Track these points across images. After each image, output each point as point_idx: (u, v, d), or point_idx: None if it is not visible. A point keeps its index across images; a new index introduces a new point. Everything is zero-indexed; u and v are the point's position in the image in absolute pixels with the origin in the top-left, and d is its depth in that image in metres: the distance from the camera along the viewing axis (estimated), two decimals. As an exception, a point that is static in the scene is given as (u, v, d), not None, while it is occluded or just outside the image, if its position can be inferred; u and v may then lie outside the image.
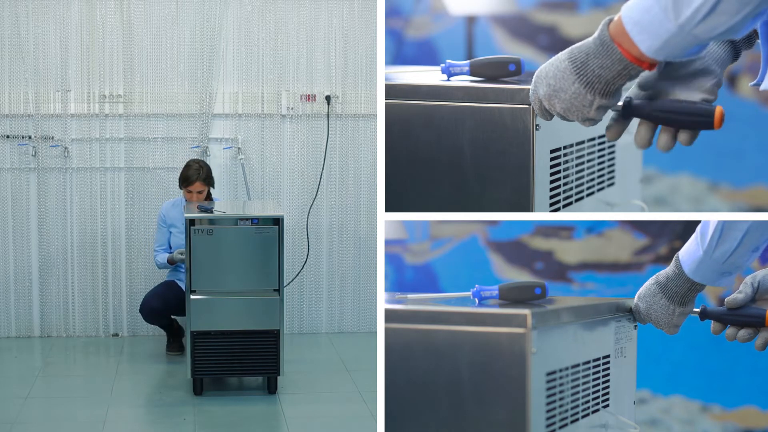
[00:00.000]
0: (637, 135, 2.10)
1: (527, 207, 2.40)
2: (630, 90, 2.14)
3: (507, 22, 4.63)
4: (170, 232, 5.70)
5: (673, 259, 2.56)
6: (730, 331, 2.62)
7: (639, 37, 1.92)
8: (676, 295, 2.57)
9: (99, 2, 5.97)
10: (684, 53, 1.94)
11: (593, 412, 2.69)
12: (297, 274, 6.26)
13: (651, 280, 2.64)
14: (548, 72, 2.07)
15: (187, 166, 5.64)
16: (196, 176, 5.56)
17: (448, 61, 2.56)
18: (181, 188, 5.64)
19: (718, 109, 2.03)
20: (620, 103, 2.09)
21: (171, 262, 5.63)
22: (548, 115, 2.15)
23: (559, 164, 2.52)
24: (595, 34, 1.99)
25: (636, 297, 2.71)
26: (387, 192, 2.48)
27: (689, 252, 2.51)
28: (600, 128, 2.77)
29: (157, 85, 6.05)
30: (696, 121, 2.04)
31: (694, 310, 2.63)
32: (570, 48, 2.05)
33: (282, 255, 4.96)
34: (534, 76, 2.12)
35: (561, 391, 2.51)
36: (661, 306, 2.60)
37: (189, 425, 4.65)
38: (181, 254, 5.43)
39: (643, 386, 4.22)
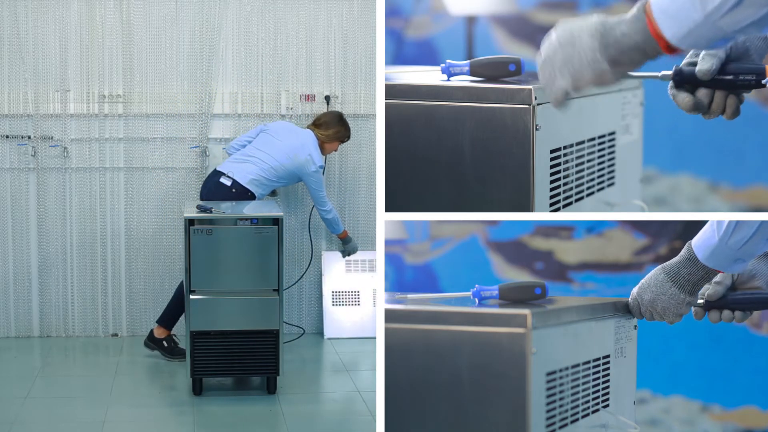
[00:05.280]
0: (678, 96, 2.11)
1: (527, 207, 2.40)
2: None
3: (507, 22, 4.62)
4: (254, 138, 5.73)
5: (684, 248, 2.55)
6: (714, 314, 2.64)
7: (664, 24, 1.92)
8: (687, 283, 2.54)
9: (98, 2, 5.97)
10: (709, 44, 1.94)
11: (593, 412, 2.69)
12: (300, 278, 6.26)
13: (656, 271, 2.61)
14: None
15: (342, 119, 5.83)
16: None
17: (448, 61, 2.56)
18: (340, 141, 5.83)
19: None
20: (670, 72, 2.09)
21: (344, 237, 6.03)
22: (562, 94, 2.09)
23: (559, 164, 2.52)
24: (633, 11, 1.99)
25: (637, 289, 2.67)
26: (387, 192, 2.48)
27: (703, 239, 2.49)
28: (600, 128, 2.78)
29: (156, 85, 6.05)
30: (746, 80, 2.08)
31: (698, 301, 2.63)
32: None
33: (281, 255, 4.96)
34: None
35: (561, 391, 2.51)
36: (670, 295, 2.57)
37: (189, 425, 4.65)
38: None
39: (643, 386, 4.22)
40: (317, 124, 5.77)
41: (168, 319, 5.63)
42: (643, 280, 2.66)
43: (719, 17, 1.85)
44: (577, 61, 2.01)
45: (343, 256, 6.14)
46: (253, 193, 5.53)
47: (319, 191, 5.67)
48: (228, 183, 5.51)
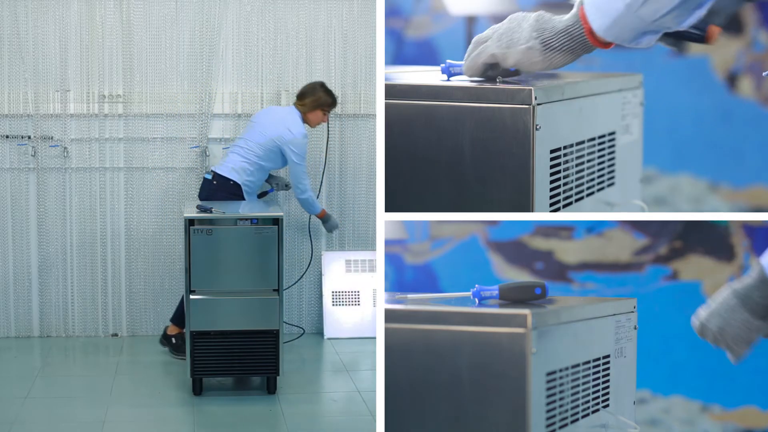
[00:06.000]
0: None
1: (527, 207, 2.39)
2: None
3: (507, 22, 4.60)
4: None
5: (752, 266, 2.32)
6: None
7: (593, 16, 2.11)
8: (759, 306, 2.25)
9: (98, 2, 5.97)
10: (633, 37, 2.09)
11: (593, 412, 2.69)
12: (300, 278, 6.26)
13: (727, 293, 2.30)
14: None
15: (323, 86, 5.70)
16: None
17: (448, 61, 2.56)
18: (321, 109, 5.66)
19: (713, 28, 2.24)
20: None
21: (322, 216, 5.95)
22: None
23: (559, 164, 2.52)
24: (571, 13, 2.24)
25: (706, 314, 2.33)
26: (387, 192, 2.48)
27: None
28: (600, 128, 2.78)
29: (156, 85, 6.05)
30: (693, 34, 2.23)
31: None
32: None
33: (281, 255, 4.96)
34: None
35: (561, 391, 2.51)
36: (741, 321, 2.28)
37: (189, 425, 4.65)
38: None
39: (643, 386, 4.21)
40: (298, 96, 5.72)
41: (179, 316, 5.64)
42: (711, 304, 2.34)
43: (639, 6, 1.98)
44: (515, 35, 2.28)
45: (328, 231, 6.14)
46: (234, 182, 5.52)
47: (299, 164, 5.56)
48: (209, 177, 5.56)
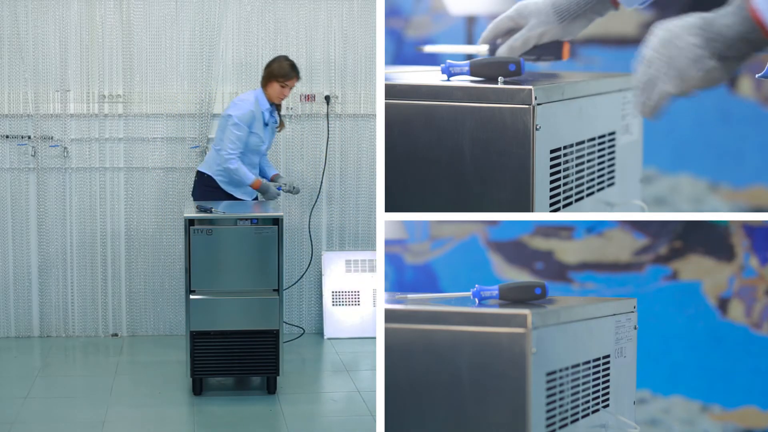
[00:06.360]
0: None
1: (527, 207, 2.39)
2: None
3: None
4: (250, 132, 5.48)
5: None
6: None
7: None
8: None
9: (98, 2, 5.97)
10: None
11: (593, 412, 2.69)
12: (300, 278, 6.26)
13: None
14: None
15: (286, 60, 5.51)
16: (298, 72, 5.51)
17: (448, 61, 2.56)
18: (276, 80, 5.45)
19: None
20: None
21: (257, 187, 5.51)
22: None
23: (559, 164, 2.52)
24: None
25: None
26: (387, 192, 2.48)
27: None
28: (600, 128, 2.78)
29: (156, 85, 6.05)
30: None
31: None
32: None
33: (281, 255, 4.96)
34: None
35: (561, 391, 2.51)
36: None
37: (189, 425, 4.65)
38: (278, 184, 5.61)
39: (643, 386, 4.22)
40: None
41: None
42: None
43: None
44: (681, 62, 1.91)
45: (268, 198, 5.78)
46: (208, 175, 5.52)
47: (232, 131, 5.37)
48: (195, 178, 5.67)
